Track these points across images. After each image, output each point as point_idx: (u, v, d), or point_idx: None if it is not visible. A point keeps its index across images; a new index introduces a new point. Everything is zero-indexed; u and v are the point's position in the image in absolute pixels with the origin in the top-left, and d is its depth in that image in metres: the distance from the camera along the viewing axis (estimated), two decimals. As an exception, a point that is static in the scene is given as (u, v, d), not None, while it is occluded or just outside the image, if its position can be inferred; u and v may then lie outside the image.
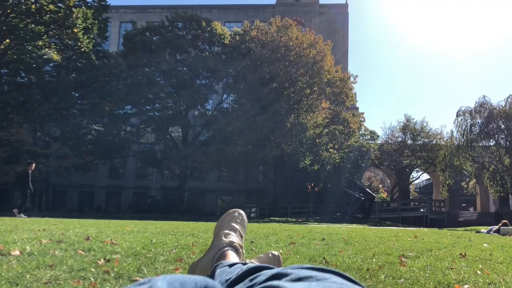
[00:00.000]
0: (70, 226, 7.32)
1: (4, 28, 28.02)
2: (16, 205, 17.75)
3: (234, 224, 2.29)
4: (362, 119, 41.01)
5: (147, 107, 41.57)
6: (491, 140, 33.97)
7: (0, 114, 30.19)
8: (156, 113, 41.43)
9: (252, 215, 41.52)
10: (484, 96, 33.63)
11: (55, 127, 36.57)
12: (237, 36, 41.52)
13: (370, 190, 46.00)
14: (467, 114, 33.69)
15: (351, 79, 38.62)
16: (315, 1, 63.26)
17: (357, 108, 47.84)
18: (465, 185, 42.36)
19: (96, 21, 32.40)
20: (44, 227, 6.54)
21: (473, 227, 23.55)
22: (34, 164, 17.30)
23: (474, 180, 37.48)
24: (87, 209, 46.55)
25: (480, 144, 34.04)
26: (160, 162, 42.72)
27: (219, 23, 44.52)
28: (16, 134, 34.76)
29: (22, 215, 15.26)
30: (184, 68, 40.57)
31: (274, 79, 35.91)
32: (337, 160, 40.54)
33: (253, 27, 40.97)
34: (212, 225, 8.36)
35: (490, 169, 33.40)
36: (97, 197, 52.49)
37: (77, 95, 35.15)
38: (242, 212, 2.44)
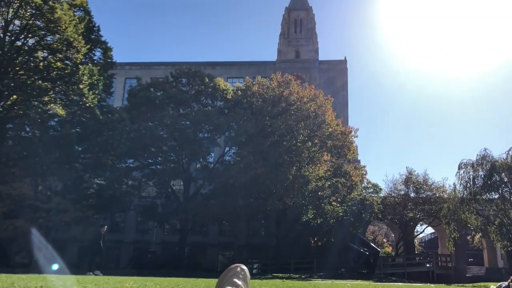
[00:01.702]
0: (68, 283, 7.16)
1: (12, 84, 28.74)
2: (93, 265, 19.93)
3: (237, 280, 2.25)
4: (364, 172, 41.00)
5: (150, 161, 41.75)
6: (495, 193, 33.67)
7: (2, 168, 30.26)
8: (158, 166, 41.54)
9: (254, 271, 40.52)
10: (485, 149, 33.71)
11: (56, 181, 36.53)
12: (239, 91, 42.42)
13: (375, 244, 45.14)
14: (469, 167, 33.62)
15: (352, 132, 39.04)
16: (315, 58, 65.17)
17: (359, 161, 47.91)
18: (471, 239, 41.56)
19: (102, 78, 33.24)
20: (42, 284, 6.39)
21: (482, 283, 22.87)
22: (106, 227, 19.96)
23: (480, 234, 36.80)
24: (86, 264, 45.46)
25: (484, 197, 33.71)
26: (161, 216, 42.31)
27: (222, 79, 45.68)
28: (18, 188, 34.64)
29: (98, 272, 17.33)
30: (187, 122, 41.15)
31: (276, 132, 36.29)
32: (340, 214, 40.09)
33: (254, 82, 41.95)
34: (213, 281, 8.16)
35: (496, 222, 32.87)
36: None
37: (80, 149, 35.39)
38: (244, 267, 2.40)
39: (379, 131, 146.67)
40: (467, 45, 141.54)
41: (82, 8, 33.78)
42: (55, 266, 16.71)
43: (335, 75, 62.58)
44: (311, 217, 37.93)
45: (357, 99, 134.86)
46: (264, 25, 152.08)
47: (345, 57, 65.33)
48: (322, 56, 66.81)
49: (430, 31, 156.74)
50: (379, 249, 40.57)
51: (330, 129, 37.40)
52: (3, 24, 29.48)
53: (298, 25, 69.20)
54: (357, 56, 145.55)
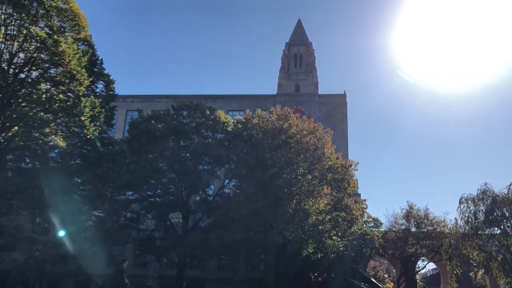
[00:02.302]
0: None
1: (14, 116, 28.93)
2: None
3: None
4: (365, 206, 40.73)
5: (149, 193, 41.55)
6: (497, 228, 33.42)
7: (0, 200, 30.10)
8: (157, 199, 41.30)
9: (253, 306, 39.64)
10: (485, 184, 33.71)
11: (55, 212, 36.23)
12: (239, 124, 42.67)
13: (376, 280, 44.36)
14: (470, 202, 33.52)
15: (353, 166, 39.04)
16: (315, 92, 65.99)
17: (359, 195, 47.69)
18: (473, 276, 40.84)
19: (104, 110, 33.49)
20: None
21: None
22: (127, 262, 20.21)
23: (483, 270, 36.23)
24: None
25: (486, 232, 33.44)
26: (159, 249, 41.75)
27: (223, 111, 46.06)
28: (15, 220, 34.33)
29: None
30: (187, 154, 41.19)
31: (275, 164, 36.25)
32: (341, 248, 39.56)
33: (254, 115, 42.24)
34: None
35: (499, 258, 32.45)
36: (93, 286, 50.50)
37: (79, 180, 35.28)
38: None
39: (379, 165, 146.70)
40: (466, 80, 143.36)
41: (86, 42, 34.36)
42: None
43: (334, 109, 63.15)
44: (311, 251, 37.41)
45: (357, 132, 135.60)
46: (265, 59, 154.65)
47: (344, 91, 66.22)
48: (321, 90, 67.72)
49: (429, 65, 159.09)
50: (380, 285, 39.84)
51: (330, 162, 37.41)
52: (8, 57, 29.94)
53: (298, 60, 70.39)
54: (357, 89, 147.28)
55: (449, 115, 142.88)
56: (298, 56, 70.58)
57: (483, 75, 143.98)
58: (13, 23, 29.65)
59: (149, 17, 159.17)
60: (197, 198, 44.97)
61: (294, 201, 36.41)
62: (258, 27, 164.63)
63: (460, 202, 33.95)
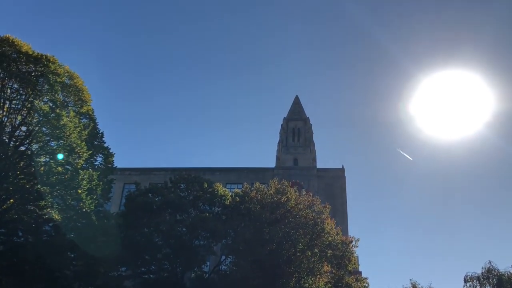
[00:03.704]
0: None
1: (11, 188, 28.77)
2: None
3: None
4: (366, 284, 39.37)
5: (143, 269, 40.18)
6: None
7: (-11, 276, 29.09)
8: (151, 276, 39.87)
9: None
10: (490, 262, 33.04)
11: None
12: (237, 197, 42.33)
13: None
14: (475, 281, 32.61)
15: (353, 242, 38.28)
16: (313, 165, 66.31)
17: (360, 272, 46.18)
18: None
19: (101, 183, 33.40)
20: None
21: None
22: None
23: None
24: None
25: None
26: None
27: (221, 184, 45.87)
28: (3, 297, 32.92)
29: None
30: (184, 229, 40.37)
31: (274, 239, 35.47)
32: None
33: (253, 188, 42.03)
34: None
35: None
36: None
37: (72, 255, 34.31)
38: None
39: (381, 240, 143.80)
40: (467, 157, 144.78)
41: (88, 116, 35.08)
42: None
43: (333, 183, 63.10)
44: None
45: (357, 207, 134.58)
46: (264, 133, 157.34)
47: (342, 166, 66.45)
48: (320, 164, 68.05)
49: (429, 143, 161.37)
50: None
51: (330, 238, 36.67)
52: (10, 129, 30.41)
53: (296, 134, 71.48)
54: (355, 164, 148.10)
55: (450, 192, 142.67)
56: (296, 131, 71.83)
57: (484, 153, 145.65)
58: (18, 97, 30.45)
59: (150, 89, 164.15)
60: (193, 275, 43.42)
61: (294, 279, 35.17)
62: (256, 102, 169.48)
63: (465, 281, 33.05)
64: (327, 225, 37.10)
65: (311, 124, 72.49)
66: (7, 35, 31.14)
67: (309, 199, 38.87)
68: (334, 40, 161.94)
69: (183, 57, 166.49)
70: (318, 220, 36.76)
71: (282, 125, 72.63)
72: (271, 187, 40.28)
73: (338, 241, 37.18)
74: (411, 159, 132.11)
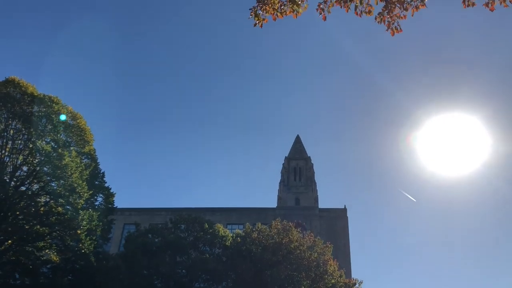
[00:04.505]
0: None
1: (10, 229, 28.48)
2: None
3: None
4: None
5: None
6: None
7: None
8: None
9: None
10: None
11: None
12: (238, 238, 41.74)
13: None
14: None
15: (357, 285, 37.42)
16: (315, 205, 65.77)
17: (364, 316, 44.90)
18: None
19: (101, 223, 33.08)
20: None
21: None
22: None
23: None
24: None
25: None
26: None
27: (222, 225, 45.35)
28: None
29: None
30: (183, 271, 39.60)
31: (275, 282, 34.71)
32: None
33: (254, 229, 41.51)
34: None
35: None
36: None
37: (69, 298, 33.54)
38: None
39: (384, 282, 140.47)
40: (471, 204, 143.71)
41: (89, 156, 35.19)
42: None
43: (335, 223, 62.44)
44: None
45: (359, 247, 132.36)
46: (265, 172, 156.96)
47: (344, 206, 66.01)
48: (322, 203, 67.53)
49: (429, 174, 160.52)
50: None
51: (333, 281, 35.86)
52: (11, 169, 30.44)
53: (298, 173, 71.34)
54: (358, 203, 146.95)
55: (452, 232, 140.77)
56: (298, 170, 71.75)
57: (483, 192, 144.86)
58: (20, 137, 30.67)
59: (151, 130, 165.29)
60: (193, 318, 42.22)
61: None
62: (257, 141, 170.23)
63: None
64: (330, 266, 36.41)
65: (312, 164, 72.50)
66: (13, 76, 31.79)
67: (311, 240, 38.35)
68: (335, 80, 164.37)
69: (185, 97, 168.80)
70: (321, 261, 36.11)
71: (283, 164, 72.63)
72: (273, 228, 39.84)
73: (341, 283, 36.34)
74: (414, 200, 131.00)
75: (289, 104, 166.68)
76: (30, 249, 29.89)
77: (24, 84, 31.68)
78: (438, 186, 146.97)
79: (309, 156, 74.00)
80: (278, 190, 69.27)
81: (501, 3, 8.99)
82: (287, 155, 74.35)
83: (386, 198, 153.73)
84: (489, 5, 9.04)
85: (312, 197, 67.22)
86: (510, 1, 8.98)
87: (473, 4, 9.10)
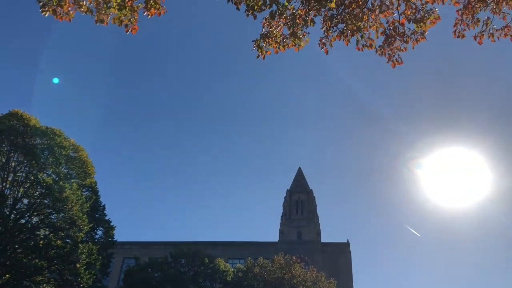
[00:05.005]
0: None
1: (8, 263, 28.04)
2: None
3: None
4: None
5: None
6: None
7: None
8: None
9: None
10: None
11: None
12: (239, 273, 41.05)
13: None
14: None
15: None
16: (317, 239, 64.91)
17: None
18: None
19: (100, 257, 32.61)
20: None
21: None
22: None
23: None
24: None
25: None
26: None
27: (222, 259, 44.67)
28: None
29: None
30: (184, 306, 38.81)
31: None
32: None
33: (256, 263, 40.86)
34: None
35: None
36: None
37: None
38: None
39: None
40: (476, 243, 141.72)
41: (91, 189, 35.08)
42: None
43: (338, 258, 61.45)
44: None
45: (363, 282, 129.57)
46: (266, 206, 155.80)
47: (347, 240, 65.15)
48: (324, 237, 66.67)
49: (433, 207, 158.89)
50: None
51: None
52: (12, 202, 30.26)
53: (300, 207, 70.78)
54: (360, 237, 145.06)
55: (456, 268, 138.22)
56: (300, 203, 71.22)
57: (486, 225, 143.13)
58: (22, 169, 30.65)
59: (152, 165, 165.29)
60: None
61: None
62: (259, 174, 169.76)
63: None
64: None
65: (314, 197, 72.03)
66: (16, 109, 32.10)
67: (313, 275, 37.67)
68: (336, 112, 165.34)
69: (186, 132, 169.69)
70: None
71: (285, 197, 72.16)
72: (275, 262, 39.21)
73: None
74: (418, 235, 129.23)
75: (291, 136, 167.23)
76: (28, 283, 29.32)
77: (27, 116, 31.96)
78: (441, 219, 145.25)
79: (311, 189, 73.60)
80: (280, 223, 68.57)
81: (489, 37, 9.22)
82: (288, 188, 73.98)
83: (389, 232, 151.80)
84: (477, 38, 9.29)
85: (314, 231, 66.45)
86: (498, 37, 9.22)
87: (463, 36, 9.32)
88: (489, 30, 9.20)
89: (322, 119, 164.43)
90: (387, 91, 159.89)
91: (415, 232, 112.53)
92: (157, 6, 8.37)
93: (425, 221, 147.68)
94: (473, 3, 8.91)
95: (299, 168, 78.98)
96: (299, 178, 76.73)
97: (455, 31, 9.32)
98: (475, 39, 9.33)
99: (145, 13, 8.39)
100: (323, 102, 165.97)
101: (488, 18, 9.11)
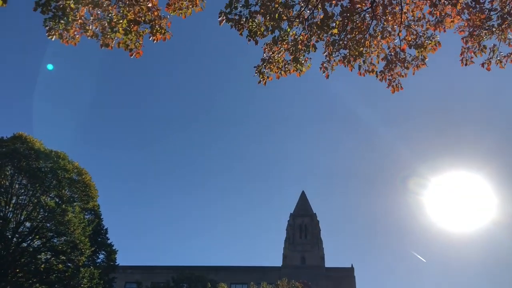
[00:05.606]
0: None
1: (9, 287, 27.79)
2: None
3: None
4: None
5: None
6: None
7: None
8: None
9: None
10: None
11: None
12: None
13: None
14: None
15: None
16: (321, 264, 64.06)
17: None
18: None
19: (102, 281, 32.24)
20: None
21: None
22: None
23: None
24: None
25: None
26: None
27: (225, 284, 44.08)
28: None
29: None
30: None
31: None
32: None
33: (259, 289, 40.33)
34: None
35: None
36: None
37: None
38: None
39: None
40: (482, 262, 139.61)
41: (93, 212, 34.95)
42: None
43: (342, 283, 60.56)
44: None
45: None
46: (269, 230, 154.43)
47: (351, 265, 64.30)
48: (328, 261, 65.82)
49: (438, 230, 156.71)
50: None
51: None
52: (14, 225, 30.16)
53: (303, 231, 70.12)
54: (365, 262, 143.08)
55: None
56: (303, 227, 70.55)
57: (491, 249, 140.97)
58: (25, 192, 30.66)
59: (155, 190, 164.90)
60: None
61: None
62: (262, 198, 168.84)
63: None
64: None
65: (318, 220, 71.41)
66: (20, 132, 32.31)
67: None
68: (339, 136, 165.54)
69: (187, 153, 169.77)
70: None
71: (288, 221, 71.57)
72: None
73: None
74: (424, 260, 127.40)
75: (294, 159, 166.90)
76: (27, 309, 28.99)
77: (31, 139, 32.13)
78: (446, 243, 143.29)
79: (315, 213, 73.04)
80: (283, 248, 67.85)
81: (497, 63, 9.26)
82: (292, 212, 73.44)
83: (394, 257, 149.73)
84: (485, 65, 9.33)
85: (318, 256, 65.66)
86: (504, 64, 9.26)
87: (471, 62, 9.36)
88: (497, 57, 9.24)
89: (326, 142, 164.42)
90: (391, 116, 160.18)
91: (421, 258, 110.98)
92: (163, 31, 8.49)
93: (431, 246, 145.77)
94: (477, 31, 8.97)
95: (303, 191, 78.63)
96: (303, 201, 76.26)
97: (462, 59, 9.36)
98: (483, 66, 9.36)
99: (151, 38, 8.51)
100: (325, 125, 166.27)
101: (495, 45, 9.16)
